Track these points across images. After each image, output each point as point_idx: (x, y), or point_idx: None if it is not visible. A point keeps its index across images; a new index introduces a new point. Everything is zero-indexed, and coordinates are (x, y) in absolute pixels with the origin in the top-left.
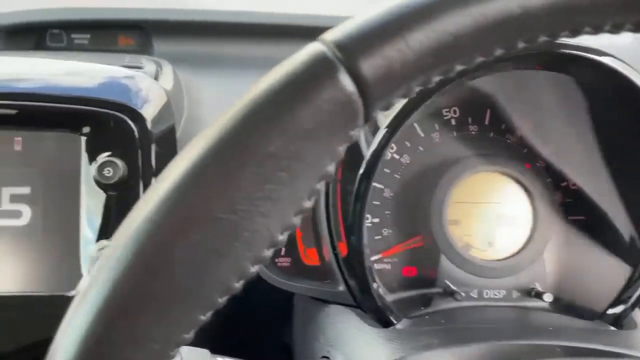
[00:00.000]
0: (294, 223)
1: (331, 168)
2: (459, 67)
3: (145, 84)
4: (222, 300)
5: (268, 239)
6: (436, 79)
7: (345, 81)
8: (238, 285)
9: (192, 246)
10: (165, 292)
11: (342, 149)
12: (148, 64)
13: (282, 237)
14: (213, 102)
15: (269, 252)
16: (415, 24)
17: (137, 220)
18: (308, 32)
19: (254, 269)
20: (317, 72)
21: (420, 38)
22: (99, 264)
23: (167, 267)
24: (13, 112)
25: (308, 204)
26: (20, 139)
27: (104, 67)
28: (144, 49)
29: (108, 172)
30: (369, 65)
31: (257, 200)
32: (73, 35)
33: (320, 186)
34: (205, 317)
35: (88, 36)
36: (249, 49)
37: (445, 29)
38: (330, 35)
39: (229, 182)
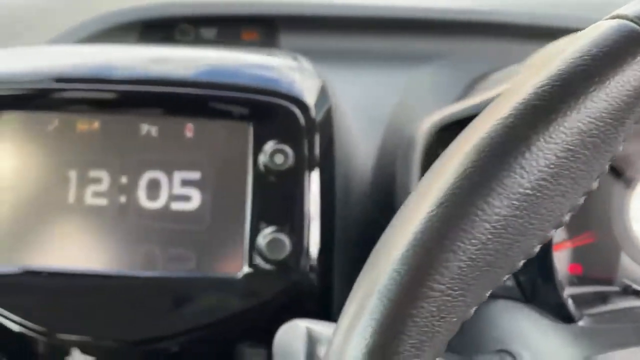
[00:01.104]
0: (579, 204)
1: (620, 148)
2: None
3: (301, 73)
4: (504, 281)
5: (558, 219)
6: None
7: None
8: (520, 265)
9: (491, 222)
10: (463, 270)
11: (631, 129)
12: (285, 57)
13: (567, 219)
14: (350, 97)
15: (553, 234)
16: None
17: (429, 196)
18: (443, 26)
19: (536, 249)
20: (631, 49)
21: None
22: (385, 243)
23: (465, 240)
24: (185, 99)
25: (595, 185)
26: (191, 125)
27: (263, 57)
28: (269, 43)
29: (279, 159)
30: None
31: (561, 178)
32: (200, 29)
33: (607, 167)
34: (485, 297)
35: (215, 30)
36: (382, 44)
37: None
38: (632, 11)
39: (539, 156)
